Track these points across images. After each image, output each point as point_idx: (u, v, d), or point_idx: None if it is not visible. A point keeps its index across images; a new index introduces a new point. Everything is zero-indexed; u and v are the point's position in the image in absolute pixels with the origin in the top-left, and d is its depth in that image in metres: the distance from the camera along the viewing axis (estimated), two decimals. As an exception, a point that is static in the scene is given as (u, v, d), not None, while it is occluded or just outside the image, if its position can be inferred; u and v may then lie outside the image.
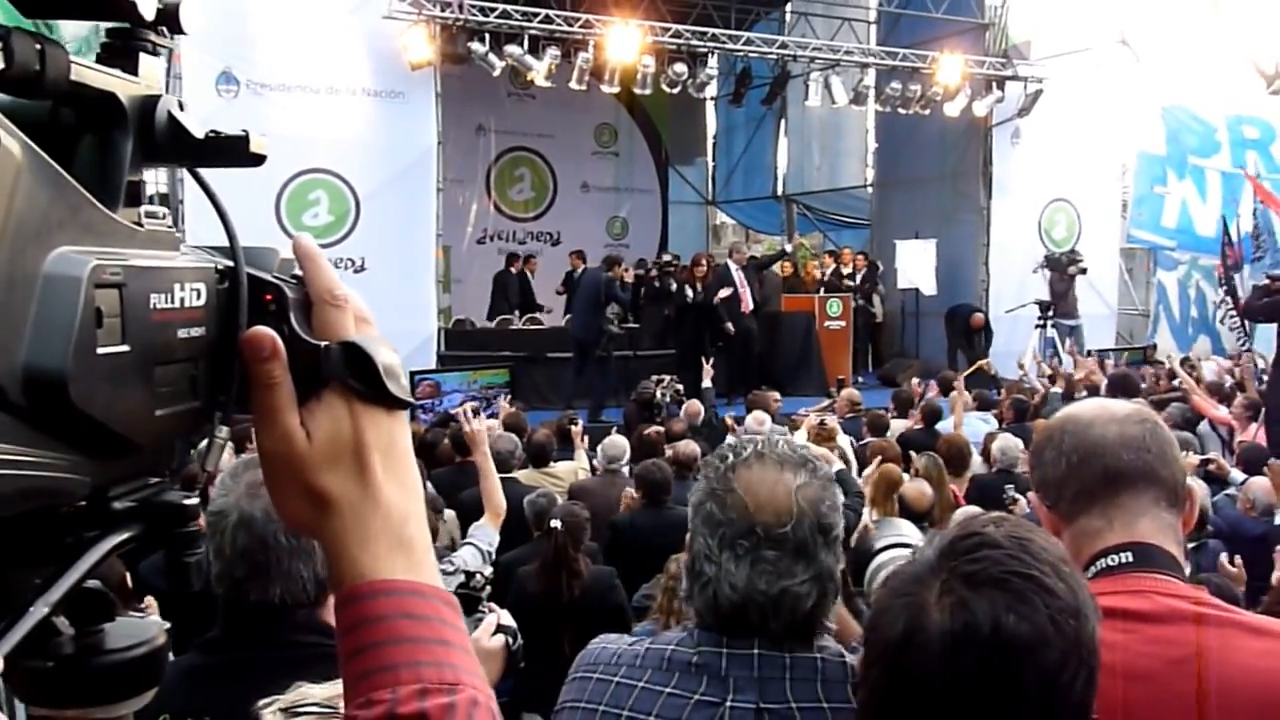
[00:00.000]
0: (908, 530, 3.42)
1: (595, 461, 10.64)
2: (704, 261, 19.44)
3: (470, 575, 4.59)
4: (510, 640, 3.20)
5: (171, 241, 1.08)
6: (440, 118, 17.12)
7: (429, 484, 9.36)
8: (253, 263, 1.14)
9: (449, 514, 8.53)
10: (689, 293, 18.83)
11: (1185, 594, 2.19)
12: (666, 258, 22.03)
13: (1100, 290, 22.01)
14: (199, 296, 1.07)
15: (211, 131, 1.10)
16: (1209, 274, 22.53)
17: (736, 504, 2.35)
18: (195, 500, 1.14)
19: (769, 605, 2.30)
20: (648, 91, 19.07)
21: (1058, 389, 14.30)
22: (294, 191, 15.99)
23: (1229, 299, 19.90)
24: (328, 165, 16.20)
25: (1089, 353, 18.57)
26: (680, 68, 18.59)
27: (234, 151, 1.12)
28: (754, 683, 2.31)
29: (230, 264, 1.12)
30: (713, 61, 19.30)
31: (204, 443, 1.14)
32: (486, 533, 6.24)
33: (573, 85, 18.04)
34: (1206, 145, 22.62)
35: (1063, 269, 19.94)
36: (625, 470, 9.91)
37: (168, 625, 1.21)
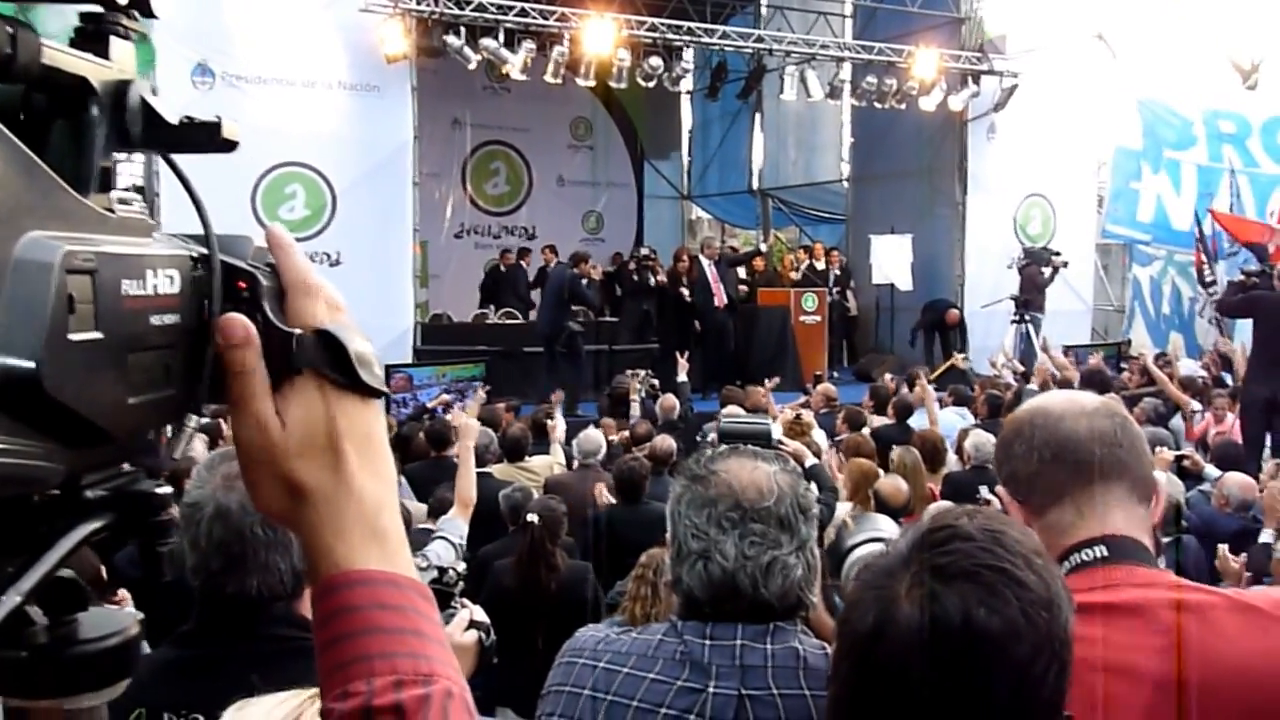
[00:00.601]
0: (885, 525, 3.44)
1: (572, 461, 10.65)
2: (685, 257, 19.45)
3: (443, 571, 4.59)
4: (483, 636, 3.18)
5: (144, 228, 1.07)
6: (416, 111, 17.12)
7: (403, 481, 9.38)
8: (227, 250, 1.13)
9: (419, 508, 8.47)
10: (684, 290, 18.87)
11: (1161, 581, 2.19)
12: (644, 251, 22.01)
13: (1076, 286, 22.09)
14: (172, 283, 1.06)
15: (185, 117, 1.09)
16: (1184, 270, 22.60)
17: (720, 484, 2.47)
18: (168, 489, 1.12)
19: (760, 573, 2.39)
20: (623, 85, 19.14)
21: (1033, 385, 14.31)
22: (270, 185, 15.94)
23: (1213, 289, 19.98)
24: (304, 159, 16.15)
25: (1065, 349, 18.62)
26: (655, 61, 18.52)
27: (206, 137, 1.10)
28: (736, 670, 2.37)
29: (204, 251, 1.11)
30: (688, 55, 19.25)
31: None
32: (456, 525, 6.23)
33: (548, 79, 18.00)
34: (1183, 139, 22.68)
35: (1044, 262, 20.01)
36: (600, 465, 9.95)
37: (141, 616, 1.18)
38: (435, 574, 4.69)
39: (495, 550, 7.74)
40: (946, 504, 7.68)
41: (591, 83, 18.97)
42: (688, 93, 26.31)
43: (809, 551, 2.48)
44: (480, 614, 3.23)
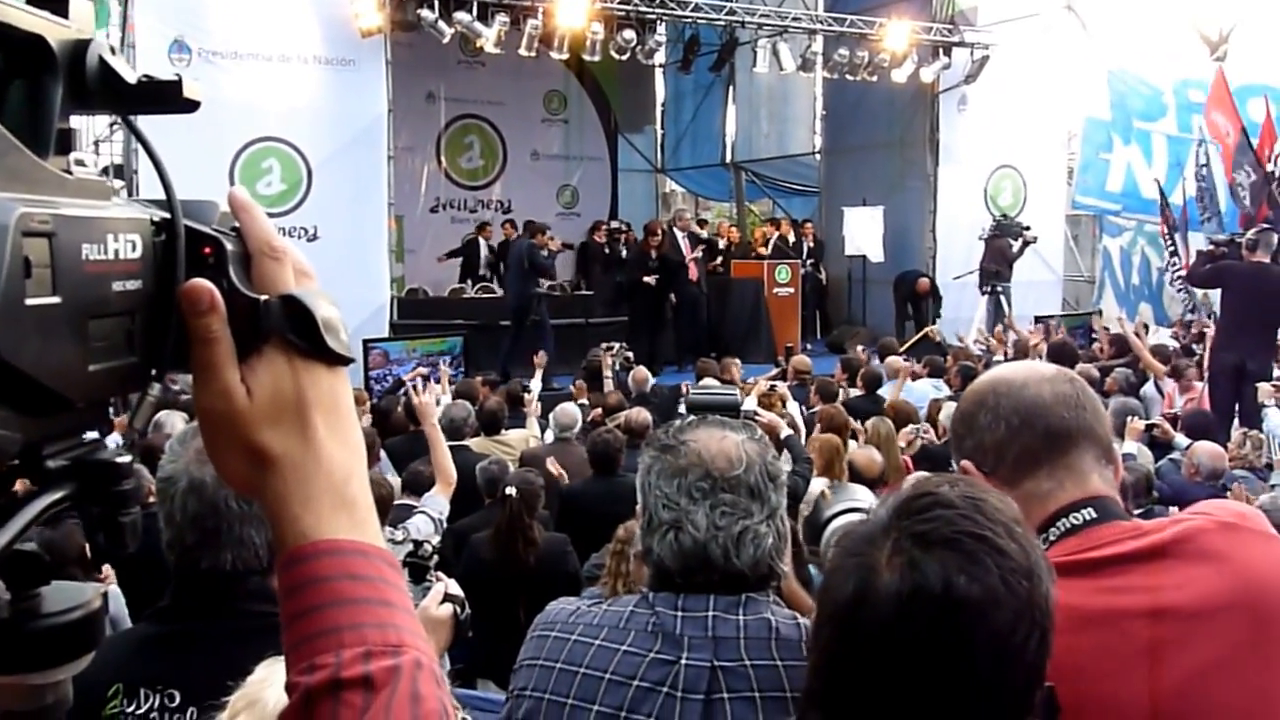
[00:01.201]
0: (863, 495, 3.45)
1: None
2: (659, 230, 19.45)
3: (418, 544, 4.64)
4: (458, 609, 3.19)
5: (103, 191, 1.05)
6: (390, 85, 17.01)
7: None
8: (192, 215, 1.11)
9: (399, 483, 8.49)
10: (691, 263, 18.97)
11: (1152, 527, 2.18)
12: (614, 225, 21.99)
13: (1046, 257, 22.12)
14: (134, 248, 1.04)
15: (144, 76, 1.06)
16: (1154, 240, 22.68)
17: (690, 454, 2.46)
18: (129, 458, 1.10)
19: (731, 543, 2.38)
20: (596, 58, 19.03)
21: (999, 356, 14.38)
22: (248, 160, 15.88)
23: (1175, 259, 20.09)
24: (280, 134, 16.10)
25: (1035, 319, 18.72)
26: (629, 34, 18.48)
27: (167, 97, 1.08)
28: (708, 642, 2.36)
29: (167, 216, 1.08)
30: (661, 28, 19.26)
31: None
32: (438, 502, 6.31)
33: (522, 52, 17.93)
34: (1153, 109, 22.74)
35: (1014, 235, 20.09)
36: (576, 438, 9.98)
37: (104, 589, 1.08)
38: (411, 547, 4.73)
39: (471, 524, 7.76)
40: (924, 475, 7.65)
41: (565, 56, 18.89)
42: (660, 66, 26.27)
43: (779, 520, 2.47)
44: (455, 587, 3.24)
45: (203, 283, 1.07)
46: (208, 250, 1.10)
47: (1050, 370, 2.41)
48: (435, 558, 4.72)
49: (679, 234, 19.03)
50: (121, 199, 1.07)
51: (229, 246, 1.11)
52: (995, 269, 19.78)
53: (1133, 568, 2.08)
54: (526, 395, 11.84)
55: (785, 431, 7.24)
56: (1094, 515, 2.18)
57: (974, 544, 1.58)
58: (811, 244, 22.99)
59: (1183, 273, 18.65)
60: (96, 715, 2.48)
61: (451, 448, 7.90)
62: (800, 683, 2.02)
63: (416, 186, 24.44)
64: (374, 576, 1.10)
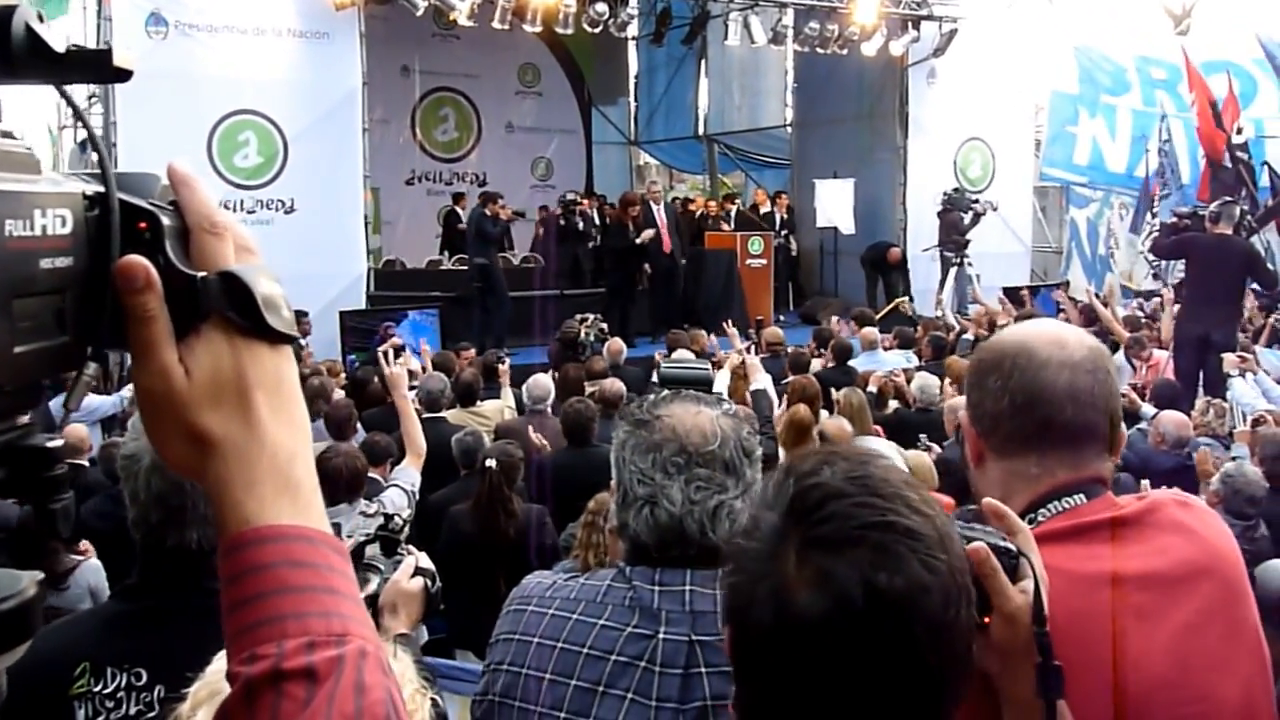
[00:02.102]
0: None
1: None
2: (636, 201, 19.50)
3: (389, 517, 4.71)
4: (429, 582, 3.19)
5: (29, 164, 1.01)
6: (365, 58, 17.06)
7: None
8: (130, 189, 1.07)
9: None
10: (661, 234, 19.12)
11: (1126, 502, 2.25)
12: (570, 196, 21.95)
13: (1014, 228, 22.35)
14: (64, 224, 1.00)
15: (73, 45, 1.01)
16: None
17: (665, 429, 2.44)
18: (60, 442, 1.08)
19: (706, 518, 2.37)
20: (570, 31, 19.12)
21: (969, 335, 14.49)
22: (224, 132, 15.88)
23: (1155, 219, 20.27)
24: (256, 106, 16.10)
25: (1005, 290, 18.87)
26: (601, 7, 18.43)
27: (97, 66, 1.04)
28: (686, 616, 2.36)
29: (101, 190, 1.05)
30: (633, 1, 19.30)
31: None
32: (409, 474, 6.24)
33: (495, 25, 17.91)
34: (1118, 84, 22.95)
35: (964, 208, 20.25)
36: (550, 410, 9.99)
37: (41, 576, 1.09)
38: (381, 520, 4.75)
39: (448, 495, 7.77)
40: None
41: (538, 29, 18.94)
42: (633, 39, 26.33)
43: (754, 494, 2.38)
44: (425, 561, 3.25)
45: (137, 259, 1.04)
46: (143, 225, 1.07)
47: (1080, 354, 2.27)
48: (406, 529, 4.75)
49: (653, 206, 19.11)
50: (55, 173, 1.04)
51: (166, 221, 1.08)
52: (955, 241, 19.95)
53: (1119, 533, 2.15)
54: (501, 366, 11.78)
55: (756, 384, 7.29)
56: (1084, 500, 2.20)
57: (881, 535, 1.46)
58: (785, 215, 23.08)
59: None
60: (63, 694, 2.51)
61: (428, 420, 7.94)
62: None
63: (392, 159, 24.35)
64: (319, 563, 1.07)
